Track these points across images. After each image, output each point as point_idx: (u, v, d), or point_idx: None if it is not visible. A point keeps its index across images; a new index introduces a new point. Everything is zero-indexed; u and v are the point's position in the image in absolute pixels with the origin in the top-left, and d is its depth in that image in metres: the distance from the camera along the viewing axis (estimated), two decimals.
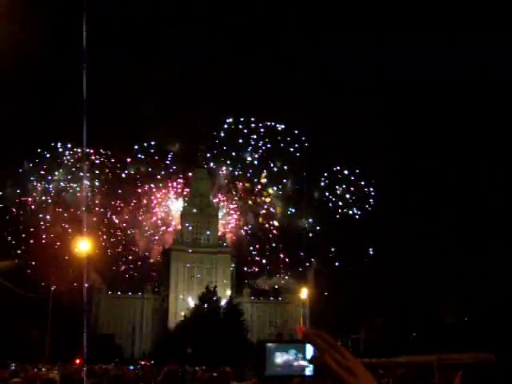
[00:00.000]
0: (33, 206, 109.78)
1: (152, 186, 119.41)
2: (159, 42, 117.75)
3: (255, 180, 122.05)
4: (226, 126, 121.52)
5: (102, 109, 77.42)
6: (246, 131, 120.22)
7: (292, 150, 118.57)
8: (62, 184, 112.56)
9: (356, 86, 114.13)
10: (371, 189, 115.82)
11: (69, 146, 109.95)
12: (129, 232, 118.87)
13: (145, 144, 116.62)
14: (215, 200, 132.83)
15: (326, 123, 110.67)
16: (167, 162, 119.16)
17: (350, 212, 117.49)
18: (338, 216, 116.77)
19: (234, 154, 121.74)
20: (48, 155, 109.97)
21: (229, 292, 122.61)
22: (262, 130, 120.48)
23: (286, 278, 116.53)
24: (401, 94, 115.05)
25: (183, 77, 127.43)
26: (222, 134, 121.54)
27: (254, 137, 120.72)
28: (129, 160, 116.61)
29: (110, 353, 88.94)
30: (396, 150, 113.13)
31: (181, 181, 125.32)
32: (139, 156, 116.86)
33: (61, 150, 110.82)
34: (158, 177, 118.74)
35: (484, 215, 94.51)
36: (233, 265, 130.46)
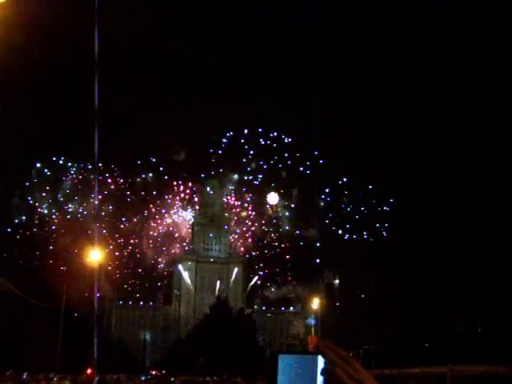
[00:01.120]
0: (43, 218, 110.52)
1: (160, 195, 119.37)
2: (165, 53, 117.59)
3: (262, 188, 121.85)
4: (226, 140, 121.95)
5: (108, 122, 77.25)
6: (246, 146, 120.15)
7: (301, 168, 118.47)
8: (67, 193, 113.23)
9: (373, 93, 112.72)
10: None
11: (60, 160, 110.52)
12: (135, 241, 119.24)
13: (153, 159, 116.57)
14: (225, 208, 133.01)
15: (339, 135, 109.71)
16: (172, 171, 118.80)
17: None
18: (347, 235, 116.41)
19: (239, 163, 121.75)
20: (48, 172, 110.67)
21: (240, 302, 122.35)
22: (267, 142, 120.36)
23: (297, 288, 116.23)
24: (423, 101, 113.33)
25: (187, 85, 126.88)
26: (225, 145, 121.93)
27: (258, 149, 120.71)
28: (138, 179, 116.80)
29: (121, 362, 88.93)
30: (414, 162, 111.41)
31: (188, 191, 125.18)
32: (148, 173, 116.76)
33: (69, 164, 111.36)
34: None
35: (498, 225, 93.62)
36: (244, 274, 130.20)
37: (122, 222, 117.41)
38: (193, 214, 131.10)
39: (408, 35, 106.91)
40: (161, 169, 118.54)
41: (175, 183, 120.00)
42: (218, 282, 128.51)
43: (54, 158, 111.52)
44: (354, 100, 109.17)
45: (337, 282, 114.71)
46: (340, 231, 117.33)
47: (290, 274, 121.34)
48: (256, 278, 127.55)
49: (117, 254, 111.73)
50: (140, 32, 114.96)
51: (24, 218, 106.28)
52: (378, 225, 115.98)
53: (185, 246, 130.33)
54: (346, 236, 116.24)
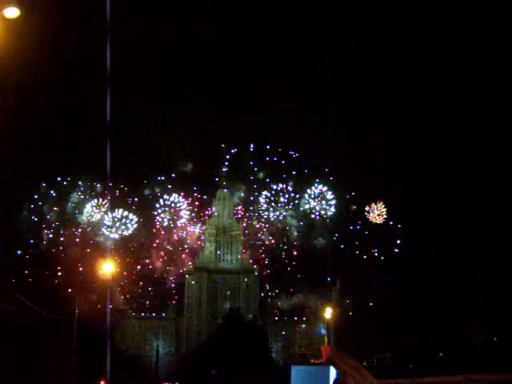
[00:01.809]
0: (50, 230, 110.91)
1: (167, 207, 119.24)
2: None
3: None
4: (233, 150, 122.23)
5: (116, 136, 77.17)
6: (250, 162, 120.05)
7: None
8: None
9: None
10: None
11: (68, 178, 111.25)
12: (145, 254, 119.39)
13: (161, 178, 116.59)
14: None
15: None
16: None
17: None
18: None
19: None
20: (53, 193, 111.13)
21: (252, 313, 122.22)
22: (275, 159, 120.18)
23: (309, 297, 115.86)
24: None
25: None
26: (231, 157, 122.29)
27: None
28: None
29: (133, 374, 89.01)
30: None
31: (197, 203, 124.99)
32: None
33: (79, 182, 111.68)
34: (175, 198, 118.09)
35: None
36: (256, 285, 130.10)
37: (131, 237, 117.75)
38: (203, 226, 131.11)
39: (412, 37, 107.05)
40: (170, 179, 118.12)
41: (183, 194, 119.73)
42: (230, 293, 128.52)
43: (59, 179, 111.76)
44: (359, 109, 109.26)
45: (348, 290, 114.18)
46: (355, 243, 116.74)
47: (301, 283, 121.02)
48: (268, 288, 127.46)
49: (128, 267, 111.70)
50: (150, 45, 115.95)
51: (32, 237, 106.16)
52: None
53: (196, 258, 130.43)
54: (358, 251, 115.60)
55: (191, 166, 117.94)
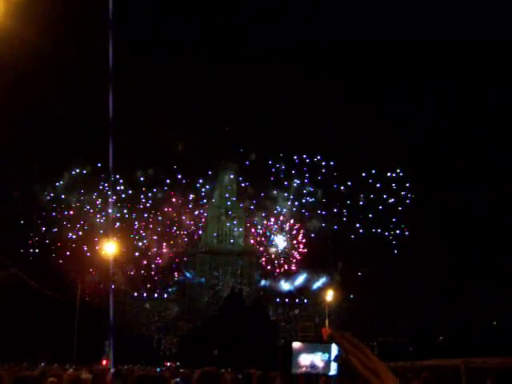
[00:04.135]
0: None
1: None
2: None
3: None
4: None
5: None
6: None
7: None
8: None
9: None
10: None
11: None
12: (147, 234, 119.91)
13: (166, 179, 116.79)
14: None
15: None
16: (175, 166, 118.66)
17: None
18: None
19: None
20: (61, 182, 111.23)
21: (254, 294, 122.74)
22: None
23: (311, 280, 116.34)
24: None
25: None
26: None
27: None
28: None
29: (135, 353, 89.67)
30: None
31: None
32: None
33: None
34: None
35: None
36: (258, 266, 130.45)
37: (134, 219, 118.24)
38: (202, 208, 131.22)
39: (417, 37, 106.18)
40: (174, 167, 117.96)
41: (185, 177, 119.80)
42: (231, 275, 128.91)
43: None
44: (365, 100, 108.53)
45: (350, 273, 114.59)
46: (358, 224, 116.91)
47: (303, 265, 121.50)
48: (269, 269, 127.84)
49: (130, 247, 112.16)
50: (154, 41, 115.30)
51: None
52: (394, 219, 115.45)
53: (198, 238, 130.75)
54: (361, 230, 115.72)
55: (191, 147, 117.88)
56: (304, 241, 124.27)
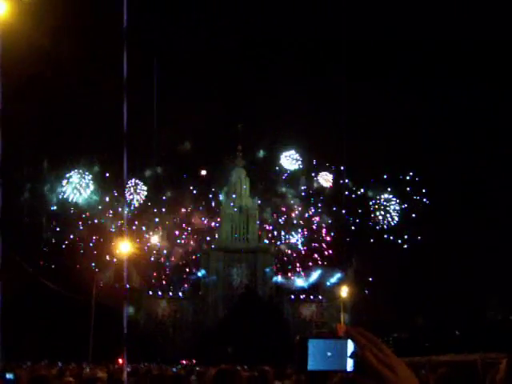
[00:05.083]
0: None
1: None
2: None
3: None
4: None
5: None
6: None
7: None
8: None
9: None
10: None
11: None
12: (162, 234, 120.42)
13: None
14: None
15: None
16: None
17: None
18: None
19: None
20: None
21: (268, 291, 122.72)
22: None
23: (326, 276, 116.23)
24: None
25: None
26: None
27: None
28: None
29: (151, 352, 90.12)
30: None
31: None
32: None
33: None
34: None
35: None
36: (272, 263, 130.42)
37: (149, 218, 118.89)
38: (221, 205, 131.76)
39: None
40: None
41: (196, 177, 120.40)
42: (246, 272, 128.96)
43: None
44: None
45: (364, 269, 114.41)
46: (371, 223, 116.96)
47: (318, 262, 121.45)
48: (284, 267, 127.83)
49: (144, 246, 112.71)
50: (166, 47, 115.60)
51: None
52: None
53: (213, 236, 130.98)
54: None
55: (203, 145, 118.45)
56: (320, 238, 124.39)
